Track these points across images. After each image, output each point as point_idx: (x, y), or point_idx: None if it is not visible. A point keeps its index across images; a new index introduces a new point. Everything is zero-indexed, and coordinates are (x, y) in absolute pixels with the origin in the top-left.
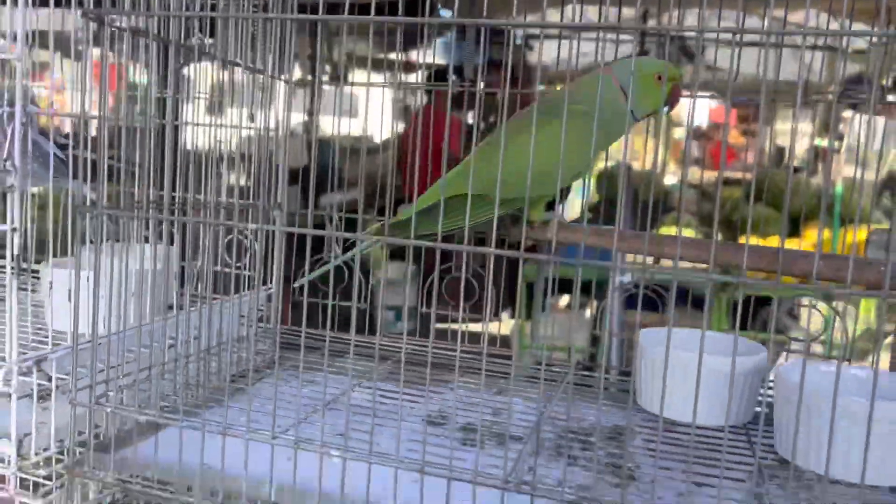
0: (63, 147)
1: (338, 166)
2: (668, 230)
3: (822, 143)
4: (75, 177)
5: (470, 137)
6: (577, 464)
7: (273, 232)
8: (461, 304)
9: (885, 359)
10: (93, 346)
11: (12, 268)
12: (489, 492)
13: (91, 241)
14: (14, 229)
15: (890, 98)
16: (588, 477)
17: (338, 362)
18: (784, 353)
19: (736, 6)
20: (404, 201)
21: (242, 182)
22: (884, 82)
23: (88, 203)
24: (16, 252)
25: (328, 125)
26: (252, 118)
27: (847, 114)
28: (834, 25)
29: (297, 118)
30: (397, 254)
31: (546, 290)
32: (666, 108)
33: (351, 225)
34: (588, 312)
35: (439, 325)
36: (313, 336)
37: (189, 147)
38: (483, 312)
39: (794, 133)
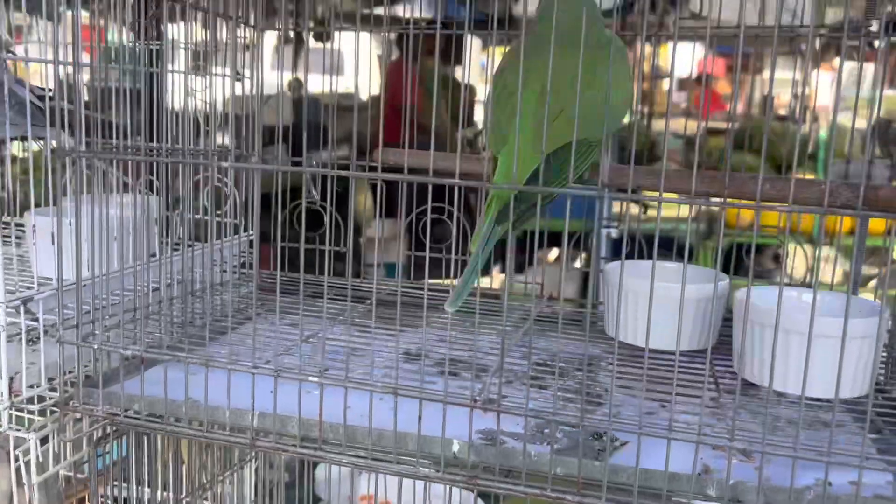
0: (41, 97)
1: (324, 124)
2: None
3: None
4: (52, 125)
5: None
6: (548, 390)
7: (252, 182)
8: (453, 245)
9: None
10: (77, 286)
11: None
12: (460, 413)
13: (72, 189)
14: None
15: (877, 43)
16: (555, 400)
17: (329, 304)
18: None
19: None
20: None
21: (221, 138)
22: (871, 28)
23: (67, 148)
24: None
25: (314, 83)
26: (238, 75)
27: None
28: None
29: (283, 75)
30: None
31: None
32: None
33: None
34: (578, 263)
35: (431, 281)
36: (310, 281)
37: (169, 99)
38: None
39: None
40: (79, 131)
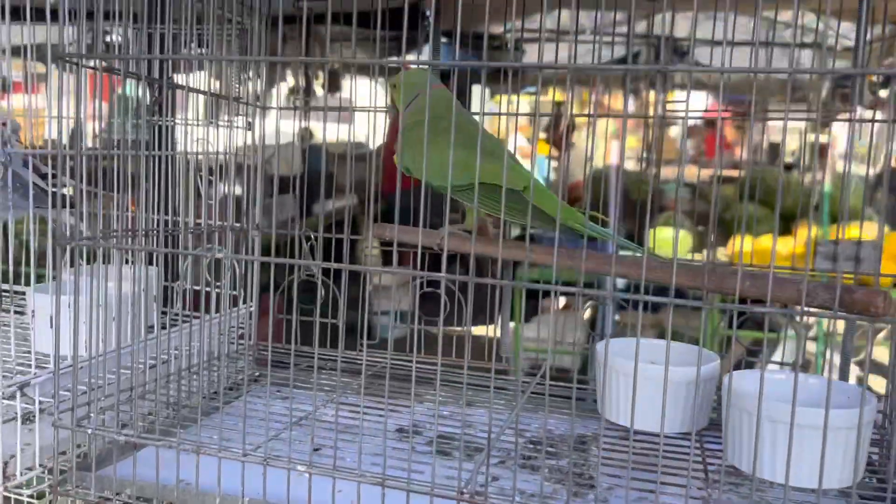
0: (43, 176)
1: (328, 172)
2: (661, 231)
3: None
4: (54, 206)
5: None
6: (538, 473)
7: (252, 250)
8: (441, 319)
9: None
10: (73, 371)
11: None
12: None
13: (72, 266)
14: None
15: (882, 94)
16: (546, 485)
17: (322, 378)
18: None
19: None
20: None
21: (224, 189)
22: (874, 79)
23: (68, 233)
24: None
25: (321, 132)
26: (250, 126)
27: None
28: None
29: (290, 126)
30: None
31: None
32: None
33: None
34: (587, 313)
35: (430, 328)
36: (303, 353)
37: (171, 172)
38: (464, 324)
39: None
40: (79, 213)
